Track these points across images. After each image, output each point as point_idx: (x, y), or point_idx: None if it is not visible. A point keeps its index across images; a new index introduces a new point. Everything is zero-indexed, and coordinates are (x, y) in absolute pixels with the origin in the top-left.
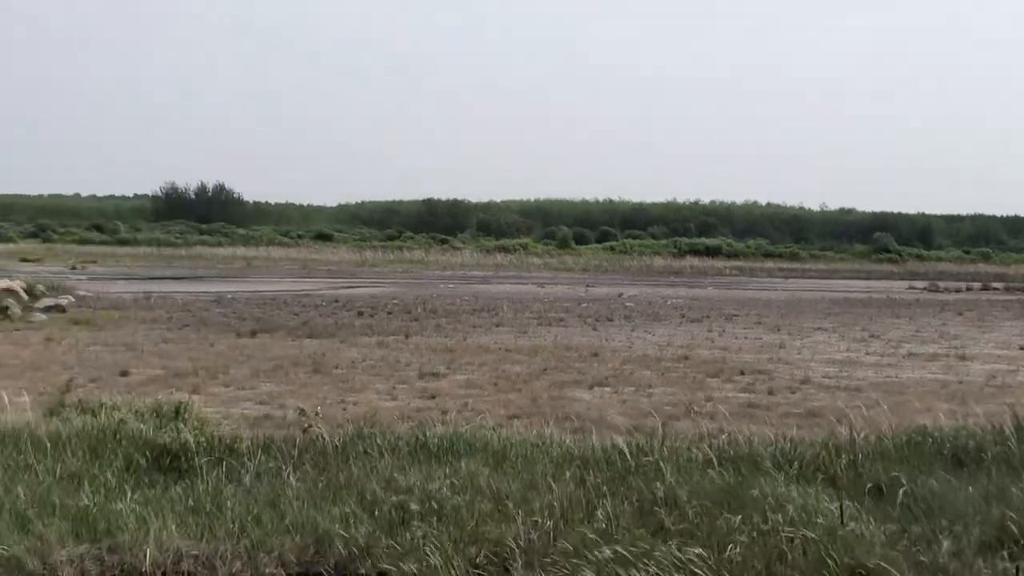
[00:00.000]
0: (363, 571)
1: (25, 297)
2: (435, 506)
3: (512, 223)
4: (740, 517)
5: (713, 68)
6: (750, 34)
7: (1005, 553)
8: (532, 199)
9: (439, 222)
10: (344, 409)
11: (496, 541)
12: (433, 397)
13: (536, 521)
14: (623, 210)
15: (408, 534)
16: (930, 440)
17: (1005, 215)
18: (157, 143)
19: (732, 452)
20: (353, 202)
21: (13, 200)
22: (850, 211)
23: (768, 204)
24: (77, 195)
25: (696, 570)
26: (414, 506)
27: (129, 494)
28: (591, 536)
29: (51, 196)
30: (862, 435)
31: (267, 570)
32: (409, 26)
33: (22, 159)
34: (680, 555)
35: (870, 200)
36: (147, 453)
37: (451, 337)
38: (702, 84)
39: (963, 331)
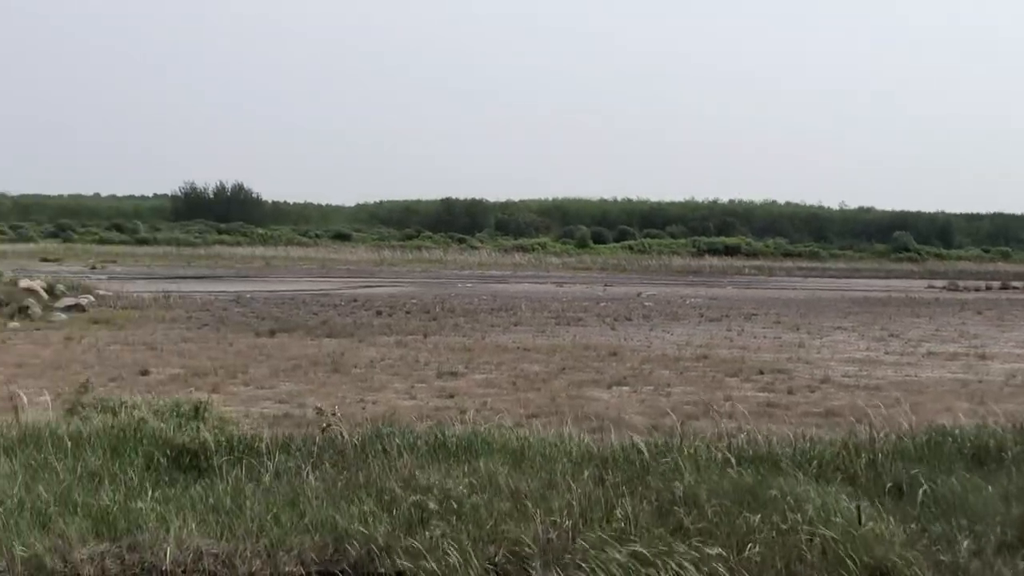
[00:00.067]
0: (382, 570)
1: (45, 297)
2: (454, 505)
3: (530, 222)
4: (759, 516)
5: (732, 66)
6: (770, 31)
7: None
8: (550, 198)
9: (457, 221)
10: (363, 408)
11: (515, 540)
12: (452, 396)
13: (555, 520)
14: (642, 209)
15: (427, 533)
16: (950, 439)
17: None
18: (176, 143)
19: (751, 451)
20: (371, 202)
21: (34, 200)
22: (869, 210)
23: (787, 203)
24: (97, 195)
25: (715, 570)
26: (433, 505)
27: (149, 493)
28: (610, 535)
29: (71, 196)
30: (882, 434)
31: (287, 568)
32: (428, 27)
33: (43, 160)
34: (699, 554)
35: (889, 199)
36: (167, 452)
37: (469, 336)
38: (721, 82)
39: (983, 330)
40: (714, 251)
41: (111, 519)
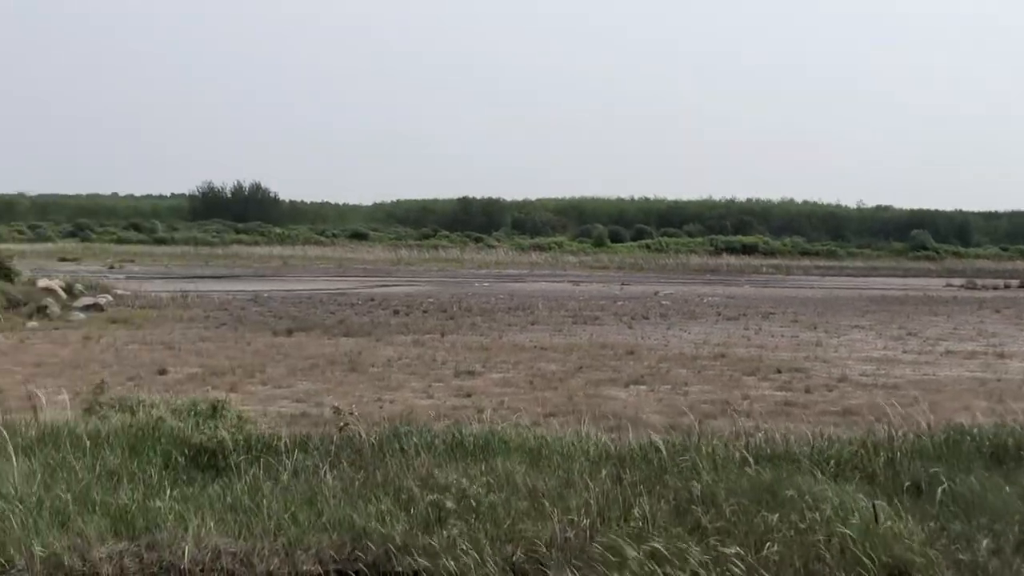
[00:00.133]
0: (400, 569)
1: (64, 296)
2: (471, 504)
3: (547, 221)
4: (777, 516)
5: (750, 64)
6: (788, 29)
7: None
8: (567, 197)
9: (474, 221)
10: (380, 407)
11: (532, 539)
12: (469, 395)
13: (572, 519)
14: (659, 208)
15: (444, 532)
16: (969, 438)
17: None
18: (194, 143)
19: (769, 450)
20: (388, 201)
21: (52, 200)
22: (887, 208)
23: (805, 202)
24: (115, 195)
25: (733, 569)
26: (450, 504)
27: (168, 491)
28: (628, 534)
29: (89, 196)
30: (900, 433)
31: (305, 567)
32: (447, 26)
33: (61, 160)
34: (717, 554)
35: (907, 197)
36: (185, 451)
37: (486, 335)
38: (739, 81)
39: (1001, 329)
40: (731, 250)
41: (130, 518)
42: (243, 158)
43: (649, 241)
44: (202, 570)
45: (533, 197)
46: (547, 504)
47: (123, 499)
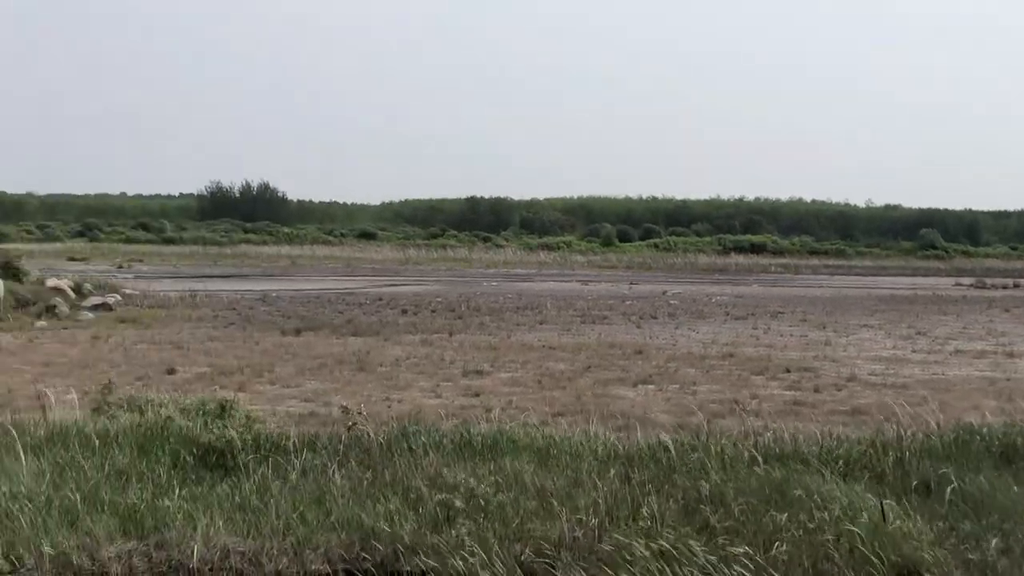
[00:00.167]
0: (408, 568)
1: (73, 296)
2: (480, 503)
3: (555, 221)
4: (786, 515)
5: (758, 63)
6: (796, 27)
7: None
8: (575, 197)
9: (482, 220)
10: (389, 407)
11: (541, 538)
12: (477, 395)
13: (581, 519)
14: (667, 207)
15: (453, 531)
16: (978, 438)
17: None
18: (202, 143)
19: (778, 450)
20: (396, 200)
21: (61, 200)
22: (896, 207)
23: (813, 201)
24: (123, 194)
25: (742, 568)
26: (459, 503)
27: (176, 491)
28: (636, 534)
29: (98, 196)
30: (909, 433)
31: (313, 566)
32: (452, 25)
33: (69, 160)
34: (726, 553)
35: (916, 196)
36: (194, 450)
37: (495, 335)
38: (747, 80)
39: (1010, 328)
40: (740, 249)
41: (139, 517)
42: (251, 158)
43: (657, 240)
44: (211, 569)
45: (541, 196)
46: (556, 503)
47: (132, 498)
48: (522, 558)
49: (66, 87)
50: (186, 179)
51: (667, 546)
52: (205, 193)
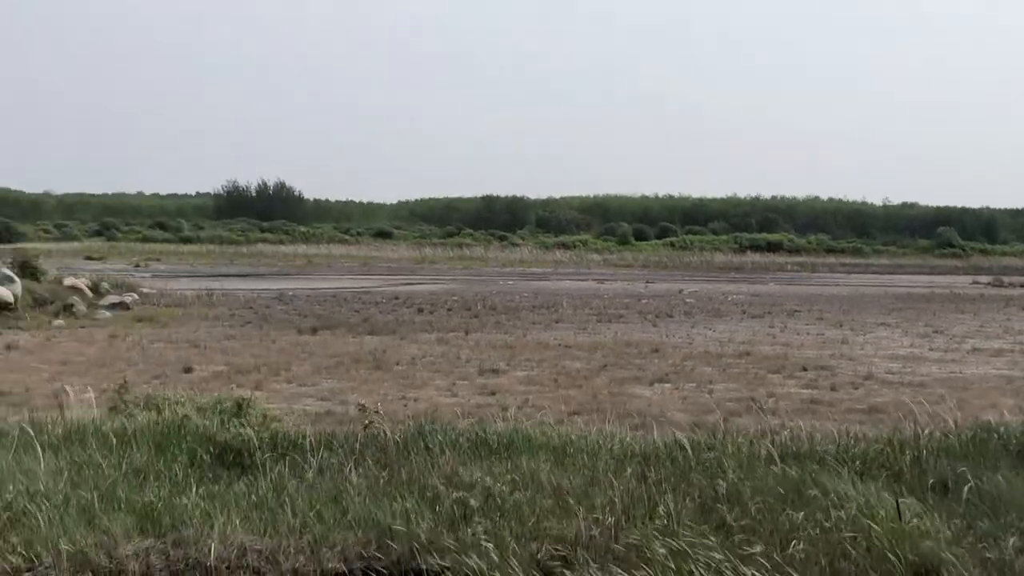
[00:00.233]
0: (424, 566)
1: (90, 295)
2: (496, 502)
3: (571, 220)
4: (803, 514)
5: (774, 61)
6: (812, 24)
7: None
8: (591, 195)
9: (498, 219)
10: (405, 405)
11: (557, 537)
12: (493, 393)
13: (597, 517)
14: (683, 206)
15: (469, 530)
16: (995, 436)
17: None
18: (219, 142)
19: (795, 448)
20: (412, 199)
21: (78, 199)
22: (913, 206)
23: (830, 199)
24: (140, 194)
25: (758, 567)
26: (475, 502)
27: (193, 489)
28: (653, 532)
29: (115, 195)
30: (926, 431)
31: (330, 565)
32: (468, 25)
33: (86, 159)
34: (742, 552)
35: (933, 194)
36: (211, 449)
37: (511, 333)
38: (764, 78)
39: None
40: (756, 248)
41: (156, 515)
42: (268, 157)
43: (674, 239)
44: (228, 567)
45: (557, 195)
46: (572, 502)
47: (149, 497)
48: (538, 557)
49: (84, 87)
50: (203, 178)
51: (684, 545)
52: (222, 192)
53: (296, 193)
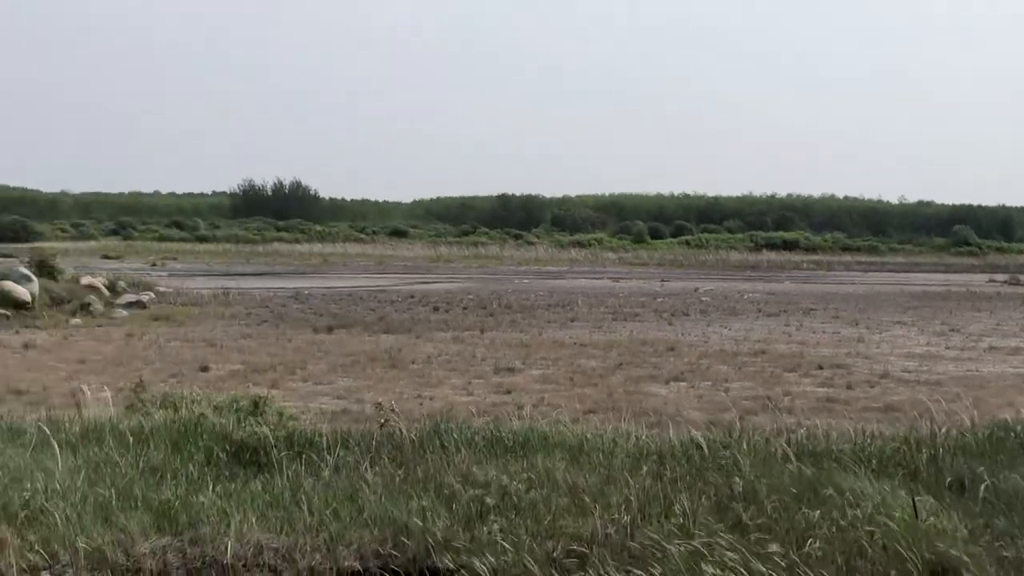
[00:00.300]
0: (441, 564)
1: (107, 293)
2: (512, 500)
3: (586, 218)
4: (819, 512)
5: (788, 60)
6: (827, 22)
7: None
8: (606, 194)
9: (513, 217)
10: (420, 404)
11: (573, 535)
12: (509, 392)
13: (613, 516)
14: (699, 204)
15: (485, 528)
16: (1012, 435)
17: None
18: (235, 141)
19: (811, 447)
20: (428, 198)
21: (95, 198)
22: (929, 204)
23: (846, 197)
24: (157, 193)
25: (774, 565)
26: (491, 500)
27: (210, 487)
28: (668, 531)
29: (132, 194)
30: (943, 430)
31: (346, 563)
32: (483, 23)
33: (103, 158)
34: (758, 550)
35: (949, 192)
36: (227, 447)
37: (526, 332)
38: (778, 77)
39: None
40: (772, 246)
41: (173, 513)
42: (283, 156)
43: (689, 237)
44: (244, 565)
45: (572, 194)
46: (588, 500)
47: (166, 495)
48: (554, 555)
49: (100, 87)
50: (219, 178)
51: (699, 544)
52: (238, 191)
53: (312, 192)
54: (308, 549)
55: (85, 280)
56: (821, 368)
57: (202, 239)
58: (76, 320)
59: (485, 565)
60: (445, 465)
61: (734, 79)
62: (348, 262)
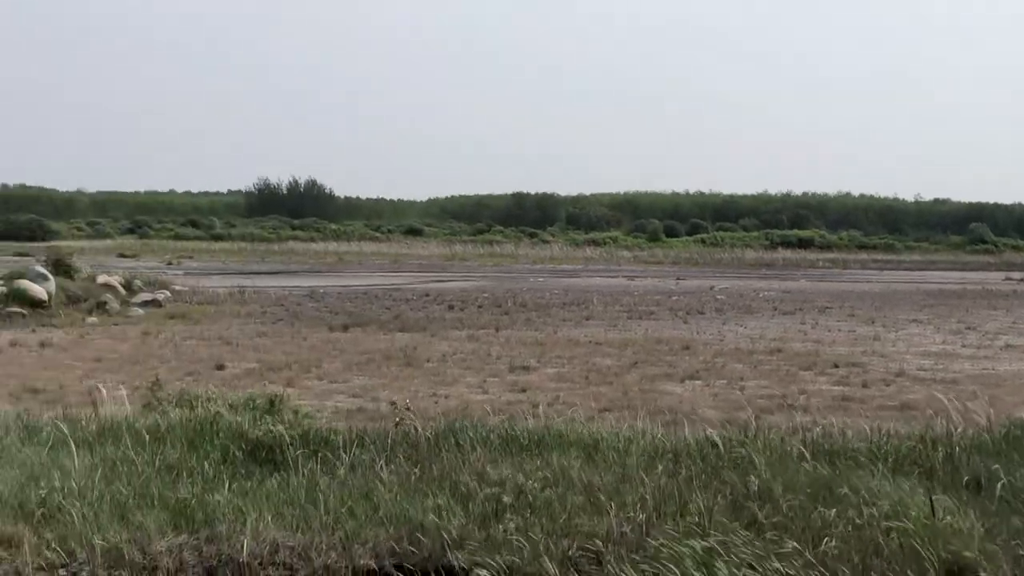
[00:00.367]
0: (456, 563)
1: (123, 292)
2: (528, 499)
3: (602, 216)
4: (835, 511)
5: (802, 59)
6: (841, 20)
7: None
8: (621, 192)
9: (528, 216)
10: (436, 402)
11: (589, 534)
12: (524, 390)
13: (628, 514)
14: (714, 202)
15: (501, 526)
16: None
17: None
18: (250, 140)
19: (826, 445)
20: (443, 197)
21: (111, 197)
22: (945, 201)
23: (861, 195)
24: (172, 192)
25: (790, 564)
26: (506, 498)
27: (226, 485)
28: (684, 529)
29: (147, 193)
30: (959, 428)
31: (361, 561)
32: (496, 23)
33: (119, 157)
34: (774, 549)
35: (966, 190)
36: (243, 445)
37: (541, 330)
38: (792, 75)
39: None
40: (787, 244)
41: (189, 512)
42: (299, 155)
43: (704, 236)
44: (260, 563)
45: (587, 192)
46: (603, 499)
47: (182, 493)
48: (569, 553)
49: (115, 86)
50: (235, 176)
51: (715, 543)
52: (253, 190)
53: (327, 191)
54: (324, 547)
55: (101, 279)
56: (837, 366)
57: (217, 238)
58: (92, 319)
59: (500, 563)
60: (460, 464)
61: (748, 79)
62: (363, 260)
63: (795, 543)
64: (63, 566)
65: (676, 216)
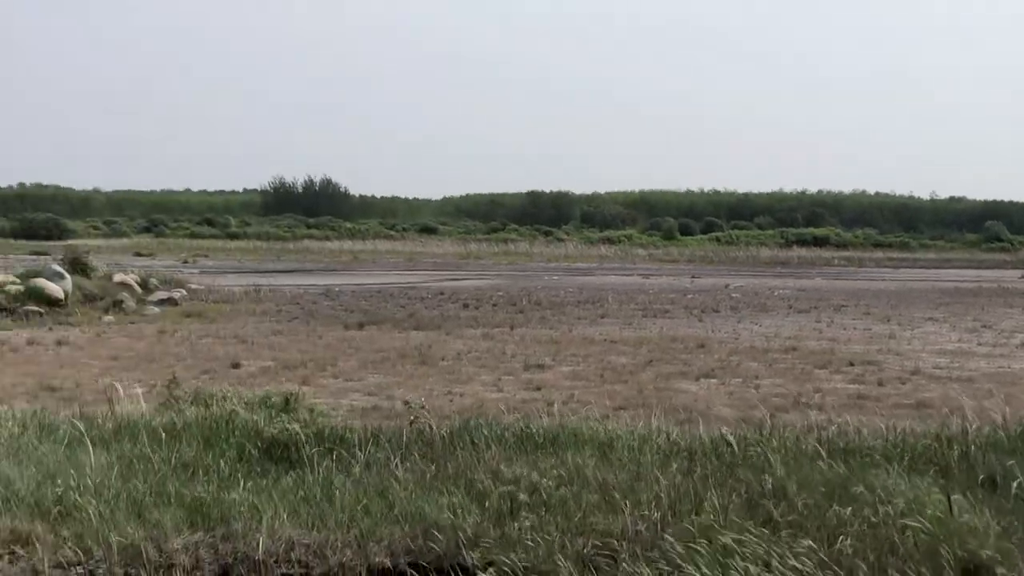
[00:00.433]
0: (471, 561)
1: (139, 290)
2: (542, 497)
3: (616, 215)
4: (850, 509)
5: (817, 59)
6: (854, 18)
7: None
8: (636, 191)
9: (543, 214)
10: (451, 400)
11: (603, 532)
12: (539, 389)
13: (643, 513)
14: (729, 201)
15: (516, 525)
16: None
17: None
18: (266, 139)
19: (841, 444)
20: (457, 195)
21: (127, 196)
22: (960, 199)
23: (877, 193)
24: (188, 190)
25: (806, 563)
26: (522, 497)
27: (242, 483)
28: (699, 528)
29: (163, 192)
30: (974, 427)
31: (376, 559)
32: (512, 26)
33: (135, 156)
34: (789, 547)
35: (981, 188)
36: (259, 444)
37: (556, 329)
38: (806, 74)
39: None
40: (802, 242)
41: (205, 509)
42: (314, 154)
43: (719, 234)
44: (276, 561)
45: (602, 190)
46: (618, 497)
47: (198, 491)
48: (584, 551)
49: (130, 86)
50: (250, 175)
51: (730, 541)
52: (269, 189)
53: (342, 189)
54: (339, 545)
55: (118, 277)
56: (852, 365)
57: (233, 236)
58: (109, 317)
59: (515, 561)
60: (475, 462)
61: (763, 77)
62: (378, 259)
63: (810, 541)
64: (79, 564)
65: (691, 214)
